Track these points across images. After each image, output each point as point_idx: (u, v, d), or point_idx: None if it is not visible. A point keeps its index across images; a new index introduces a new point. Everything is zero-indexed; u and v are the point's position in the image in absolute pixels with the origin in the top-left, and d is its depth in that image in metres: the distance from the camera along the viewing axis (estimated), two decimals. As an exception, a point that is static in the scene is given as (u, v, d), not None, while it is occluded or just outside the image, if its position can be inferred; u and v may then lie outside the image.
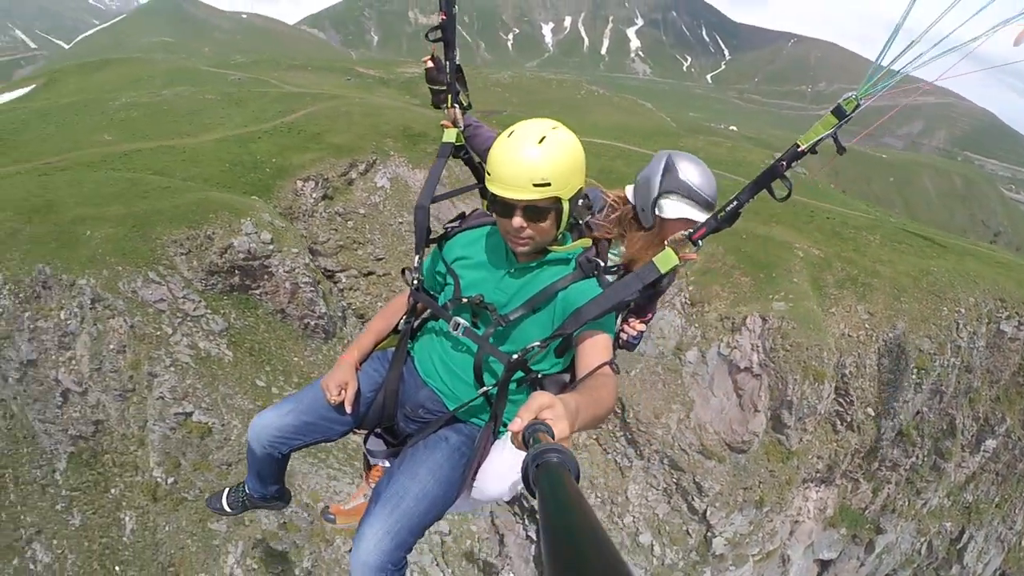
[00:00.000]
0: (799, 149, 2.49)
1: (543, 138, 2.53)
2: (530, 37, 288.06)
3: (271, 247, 22.57)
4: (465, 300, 2.82)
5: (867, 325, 22.41)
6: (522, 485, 2.24)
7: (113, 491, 20.67)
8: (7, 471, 20.94)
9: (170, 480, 20.02)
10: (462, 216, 3.14)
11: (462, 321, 2.80)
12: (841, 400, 22.13)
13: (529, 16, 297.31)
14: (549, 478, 1.20)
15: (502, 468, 2.87)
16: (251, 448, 3.11)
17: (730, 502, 21.72)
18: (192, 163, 27.68)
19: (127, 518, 20.57)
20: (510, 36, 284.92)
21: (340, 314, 25.74)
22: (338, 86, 50.81)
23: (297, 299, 23.31)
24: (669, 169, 3.03)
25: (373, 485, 3.24)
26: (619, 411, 22.46)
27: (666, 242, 2.69)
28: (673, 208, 3.02)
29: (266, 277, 22.54)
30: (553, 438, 1.58)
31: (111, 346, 19.17)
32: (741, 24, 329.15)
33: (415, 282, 3.06)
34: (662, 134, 46.12)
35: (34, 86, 58.49)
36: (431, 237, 3.14)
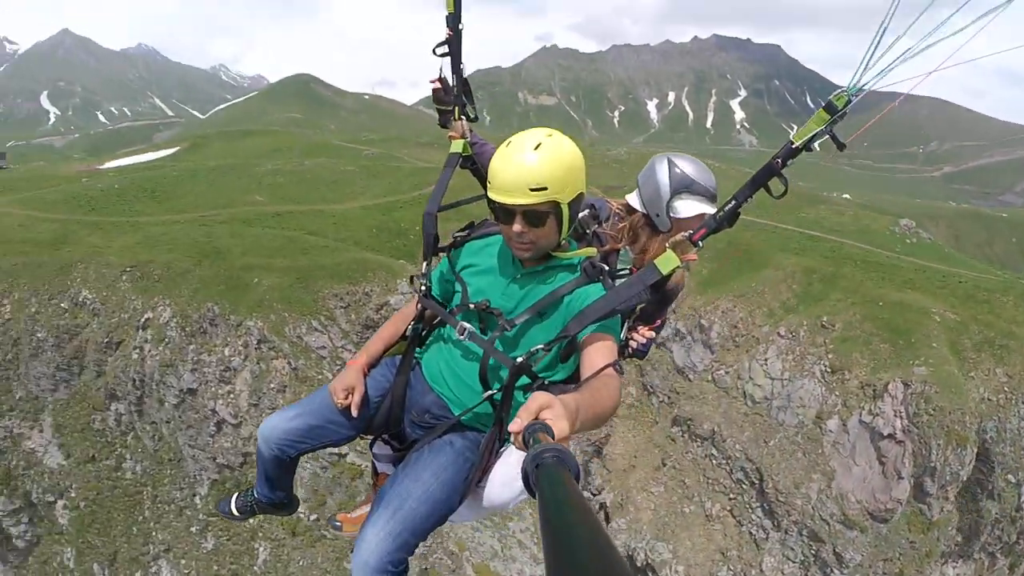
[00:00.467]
0: (793, 146, 2.53)
1: (539, 145, 2.59)
2: (635, 114, 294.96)
3: (416, 304, 24.37)
4: (472, 306, 2.85)
5: (1006, 388, 21.44)
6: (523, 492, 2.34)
7: (252, 521, 22.15)
8: (146, 488, 22.95)
9: (312, 517, 21.27)
10: (471, 225, 3.17)
11: (468, 326, 2.83)
12: (982, 467, 21.11)
13: (633, 93, 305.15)
14: (549, 478, 1.22)
15: (508, 475, 2.87)
16: (260, 451, 3.13)
17: (870, 574, 20.94)
18: (342, 226, 30.23)
19: (261, 548, 21.90)
20: (616, 113, 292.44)
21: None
22: (462, 159, 53.93)
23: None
24: (673, 170, 3.12)
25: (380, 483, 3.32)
26: (756, 481, 22.12)
27: (667, 244, 2.73)
28: (688, 207, 3.10)
29: (414, 336, 24.10)
30: (553, 438, 1.59)
31: (272, 384, 21.01)
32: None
33: (423, 288, 3.10)
34: (779, 204, 45.50)
35: (178, 148, 65.37)
36: (440, 246, 3.18)
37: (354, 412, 2.92)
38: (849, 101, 2.36)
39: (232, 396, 21.21)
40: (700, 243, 2.69)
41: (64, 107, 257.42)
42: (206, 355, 21.19)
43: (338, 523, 3.44)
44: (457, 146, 3.41)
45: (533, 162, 2.56)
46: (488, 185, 2.69)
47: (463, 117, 3.46)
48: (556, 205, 2.62)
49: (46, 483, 23.26)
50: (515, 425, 1.62)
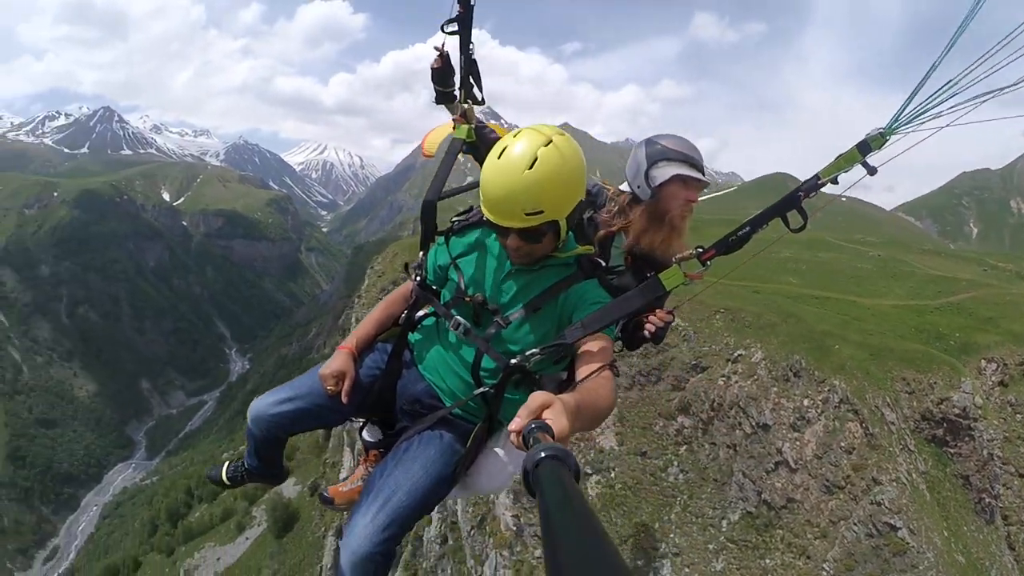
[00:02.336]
0: (818, 181, 2.48)
1: (535, 160, 2.46)
2: None
3: (979, 412, 24.32)
4: (467, 300, 2.84)
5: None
6: (515, 479, 2.35)
7: (767, 561, 24.23)
8: (682, 496, 26.36)
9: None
10: (470, 210, 3.12)
11: (464, 323, 2.83)
12: None
13: None
14: (549, 478, 1.22)
15: (494, 468, 2.97)
16: (250, 430, 3.21)
17: None
18: (881, 320, 31.43)
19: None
20: None
21: None
22: (977, 275, 50.82)
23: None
24: (651, 145, 3.12)
25: (371, 469, 3.40)
26: None
27: (674, 259, 2.68)
28: (664, 172, 3.05)
29: (966, 439, 24.23)
30: (552, 437, 1.61)
31: (841, 443, 22.98)
32: None
33: (417, 279, 3.10)
34: None
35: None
36: (439, 230, 3.16)
37: (344, 399, 2.95)
38: (884, 141, 2.33)
39: (799, 444, 23.71)
40: (708, 264, 2.65)
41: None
42: (785, 400, 24.13)
43: (329, 497, 3.54)
44: (462, 132, 3.29)
45: (528, 185, 2.45)
46: (482, 198, 2.64)
47: (469, 101, 3.30)
48: (554, 223, 2.59)
49: (591, 458, 28.66)
50: (515, 424, 1.67)
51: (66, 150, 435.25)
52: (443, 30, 3.15)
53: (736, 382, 25.50)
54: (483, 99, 3.31)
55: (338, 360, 2.97)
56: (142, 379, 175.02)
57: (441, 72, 3.28)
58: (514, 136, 2.56)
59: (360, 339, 3.11)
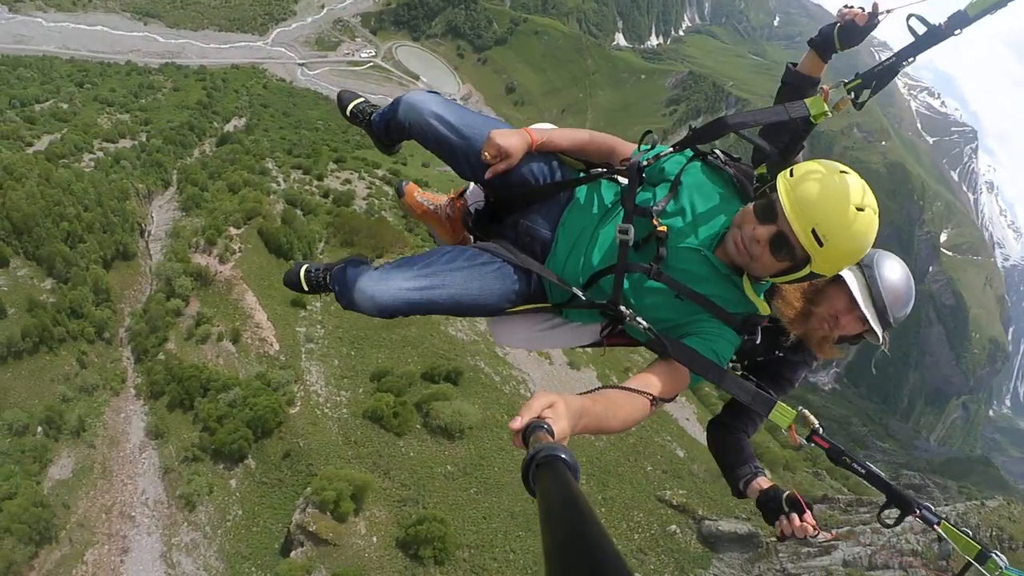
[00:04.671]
0: (935, 525, 2.42)
1: (863, 209, 2.34)
2: None
3: None
4: (656, 222, 2.66)
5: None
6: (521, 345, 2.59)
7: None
8: None
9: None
10: (736, 159, 2.86)
11: (631, 233, 2.67)
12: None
13: None
14: (549, 478, 1.23)
15: (519, 332, 3.18)
16: (397, 110, 3.05)
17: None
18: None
19: None
20: None
21: None
22: None
23: None
24: (870, 263, 2.84)
25: (450, 211, 3.50)
26: None
27: (799, 408, 2.53)
28: (851, 279, 2.80)
29: None
30: (553, 437, 1.61)
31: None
32: None
33: (645, 162, 2.86)
34: None
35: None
36: (691, 143, 2.87)
37: (487, 175, 2.90)
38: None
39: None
40: (811, 444, 2.60)
41: None
42: None
43: (405, 189, 3.65)
44: (816, 107, 2.79)
45: (844, 215, 2.33)
46: (785, 177, 2.46)
47: (852, 94, 2.82)
48: (806, 261, 2.44)
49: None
50: (516, 423, 1.68)
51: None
52: (907, 21, 2.61)
53: None
54: (861, 106, 2.84)
55: (514, 140, 2.83)
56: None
57: (855, 25, 2.78)
58: (852, 173, 2.44)
59: (547, 143, 2.97)
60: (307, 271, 3.36)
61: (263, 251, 46.18)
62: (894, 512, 2.50)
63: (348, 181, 69.49)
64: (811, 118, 2.80)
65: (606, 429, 2.24)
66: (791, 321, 2.90)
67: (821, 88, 2.91)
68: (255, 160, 69.40)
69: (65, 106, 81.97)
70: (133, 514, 32.60)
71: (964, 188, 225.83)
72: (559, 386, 36.53)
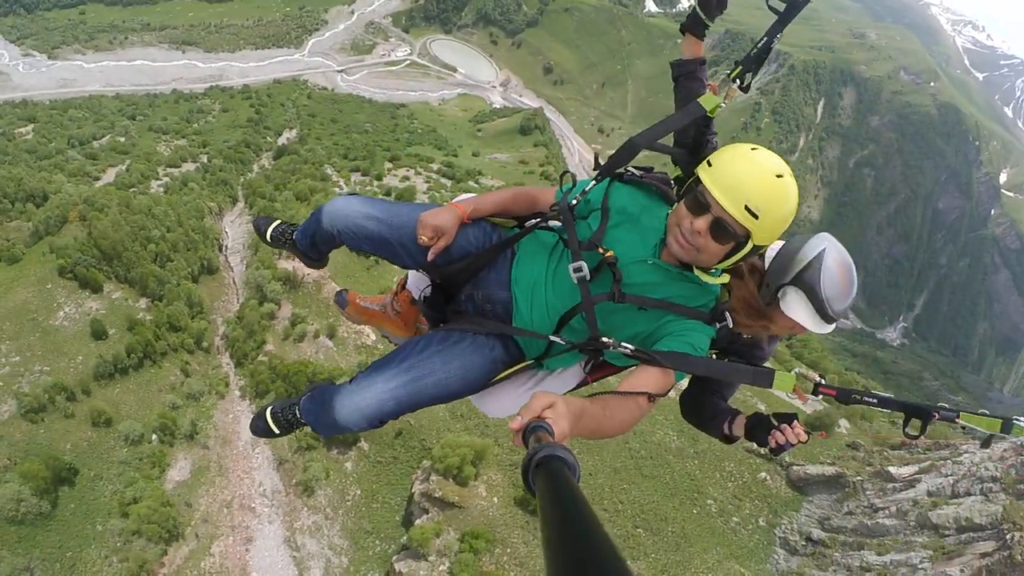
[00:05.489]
0: (956, 419, 2.54)
1: (781, 176, 2.50)
2: None
3: None
4: (601, 251, 2.75)
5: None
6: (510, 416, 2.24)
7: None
8: None
9: None
10: (649, 170, 3.06)
11: (584, 270, 2.74)
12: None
13: None
14: (549, 478, 1.24)
15: (507, 399, 3.05)
16: (320, 219, 3.13)
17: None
18: None
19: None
20: None
21: None
22: None
23: None
24: (815, 263, 2.74)
25: (397, 306, 3.46)
26: None
27: (795, 371, 2.66)
28: (793, 306, 2.78)
29: None
30: (553, 437, 1.61)
31: None
32: None
33: (572, 202, 2.94)
34: None
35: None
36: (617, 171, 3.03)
37: (429, 256, 2.94)
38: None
39: None
40: (820, 395, 2.71)
41: None
42: None
43: (345, 300, 3.65)
44: (710, 103, 2.98)
45: (768, 185, 2.49)
46: (705, 168, 2.60)
47: (737, 80, 3.09)
48: (748, 237, 2.58)
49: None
50: (516, 423, 1.71)
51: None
52: (768, 3, 2.92)
53: None
54: (748, 88, 3.14)
55: (445, 216, 2.92)
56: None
57: (710, 2, 2.99)
58: (764, 149, 2.60)
59: (475, 210, 3.07)
60: (273, 413, 3.35)
61: (344, 250, 47.91)
62: (916, 425, 2.60)
63: (407, 178, 71.93)
64: (708, 113, 2.97)
65: (605, 431, 2.31)
66: (738, 322, 2.97)
67: (708, 84, 3.15)
68: (315, 168, 71.84)
69: (122, 139, 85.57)
70: (253, 505, 34.36)
71: (1020, 124, 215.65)
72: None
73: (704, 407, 3.22)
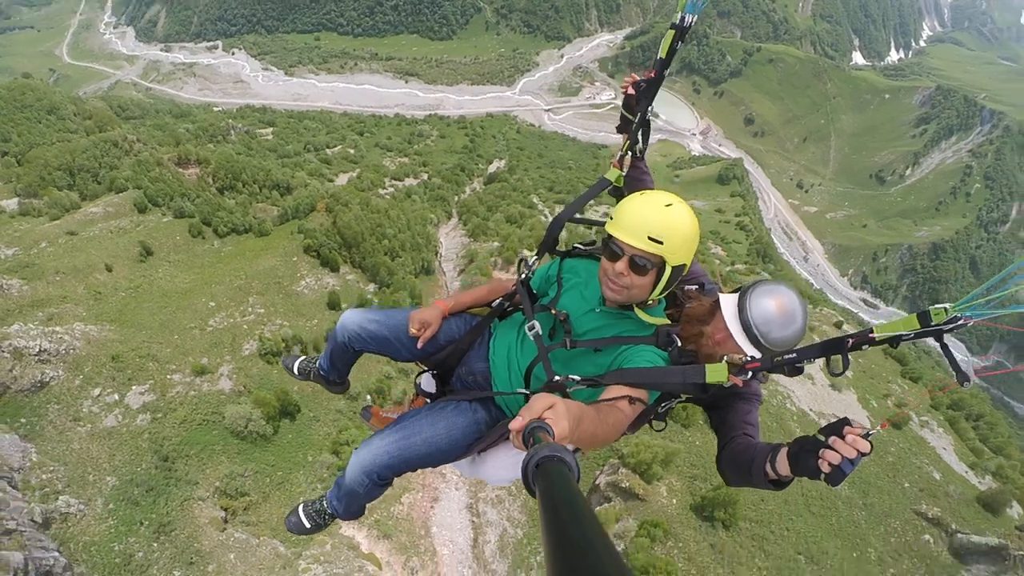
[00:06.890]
0: (871, 336, 2.46)
1: (670, 204, 2.83)
2: None
3: None
4: (553, 312, 3.21)
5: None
6: (518, 479, 2.38)
7: None
8: None
9: None
10: (592, 243, 3.47)
11: (537, 327, 3.18)
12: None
13: None
14: (549, 478, 1.26)
15: (504, 462, 3.31)
16: (336, 334, 3.70)
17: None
18: None
19: None
20: None
21: None
22: None
23: None
24: (755, 284, 2.94)
25: (418, 406, 3.69)
26: None
27: (725, 358, 2.78)
28: (726, 304, 2.97)
29: None
30: (553, 438, 1.66)
31: None
32: None
33: (524, 276, 3.51)
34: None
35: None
36: (559, 249, 3.54)
37: (419, 345, 3.50)
38: (951, 321, 2.25)
39: None
40: (751, 373, 2.73)
41: None
42: None
43: (370, 415, 3.97)
44: (613, 175, 3.65)
45: (660, 215, 2.81)
46: (610, 220, 2.95)
47: (630, 152, 3.66)
48: (663, 263, 2.87)
49: None
50: (516, 423, 1.78)
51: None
52: (637, 89, 3.54)
53: None
54: (642, 156, 3.64)
55: (430, 312, 3.53)
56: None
57: (631, 101, 3.60)
58: (654, 190, 3.01)
59: (456, 305, 3.67)
60: (305, 508, 3.85)
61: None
62: (836, 364, 2.53)
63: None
64: (614, 183, 3.63)
65: (599, 437, 2.42)
66: (686, 339, 3.08)
67: (612, 162, 3.65)
68: (523, 196, 77.96)
69: (352, 151, 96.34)
70: (443, 471, 38.01)
71: None
72: (821, 405, 38.45)
73: (739, 455, 2.92)
